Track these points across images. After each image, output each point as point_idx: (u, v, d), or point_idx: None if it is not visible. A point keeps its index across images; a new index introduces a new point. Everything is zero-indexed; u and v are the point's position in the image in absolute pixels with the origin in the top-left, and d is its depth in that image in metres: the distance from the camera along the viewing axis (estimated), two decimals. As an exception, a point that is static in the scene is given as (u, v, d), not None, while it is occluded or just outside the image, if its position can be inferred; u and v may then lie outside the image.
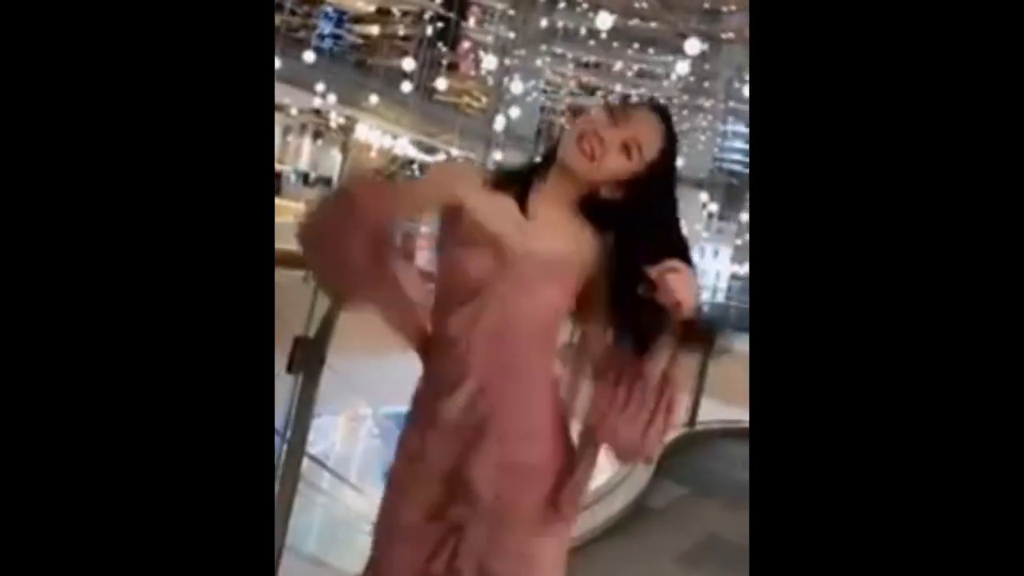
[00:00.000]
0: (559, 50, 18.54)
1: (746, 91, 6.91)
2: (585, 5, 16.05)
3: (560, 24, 17.91)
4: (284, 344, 1.41)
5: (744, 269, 13.11)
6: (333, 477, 2.68)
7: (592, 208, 1.00)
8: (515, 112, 16.31)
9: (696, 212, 13.04)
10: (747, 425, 3.93)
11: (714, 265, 14.00)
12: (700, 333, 0.96)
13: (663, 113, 0.99)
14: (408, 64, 13.41)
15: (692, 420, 4.33)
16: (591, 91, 19.92)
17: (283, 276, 1.04)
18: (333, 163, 10.90)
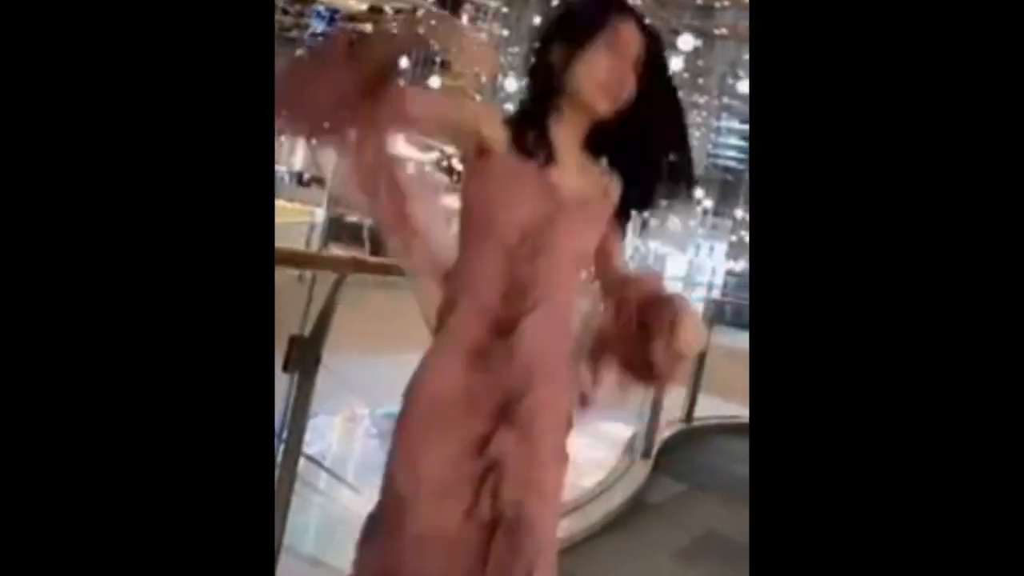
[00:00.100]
0: (553, 47, 18.45)
1: (740, 87, 6.92)
2: (578, 2, 15.97)
3: (554, 21, 17.84)
4: (280, 343, 1.40)
5: (740, 265, 13.13)
6: (330, 477, 2.67)
7: (595, 138, 1.03)
8: (509, 110, 16.24)
9: (691, 208, 13.06)
10: (745, 420, 3.94)
11: (709, 262, 14.02)
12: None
13: (638, 17, 1.01)
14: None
15: (690, 416, 4.34)
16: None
17: (278, 275, 1.03)
18: (327, 163, 10.89)
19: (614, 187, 1.05)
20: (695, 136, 11.20)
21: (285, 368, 1.44)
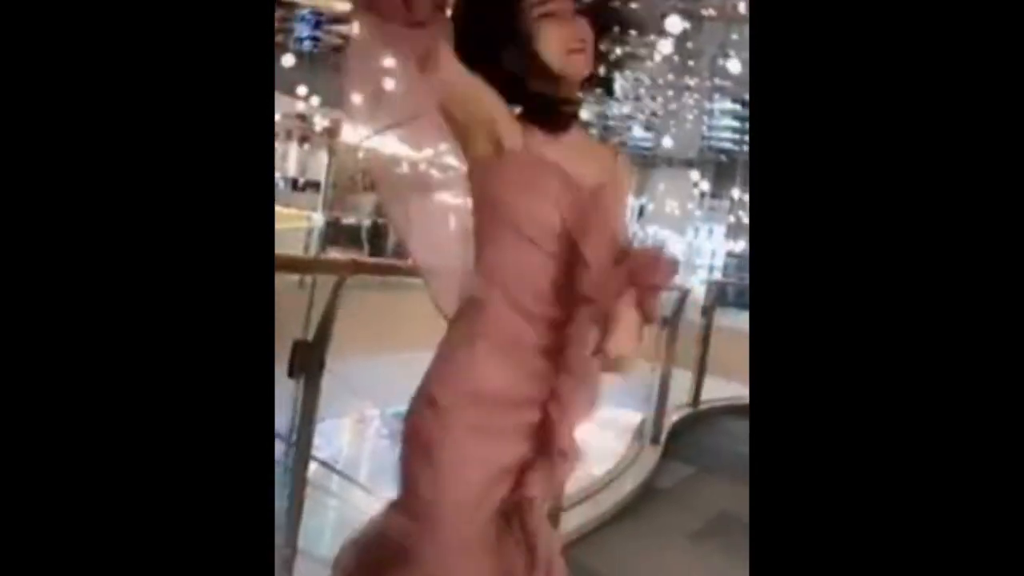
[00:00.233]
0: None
1: (730, 67, 6.89)
2: (564, -9, 15.87)
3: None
4: (283, 349, 1.41)
5: (739, 246, 13.11)
6: (342, 480, 2.68)
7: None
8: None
9: (687, 192, 13.03)
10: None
11: (709, 244, 13.99)
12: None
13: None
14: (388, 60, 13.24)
15: (696, 400, 4.35)
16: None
17: (278, 280, 1.03)
18: (320, 167, 10.87)
19: (623, 165, 1.06)
20: (688, 120, 11.15)
21: (290, 374, 1.45)
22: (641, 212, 14.17)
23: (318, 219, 8.84)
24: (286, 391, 1.48)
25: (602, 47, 1.03)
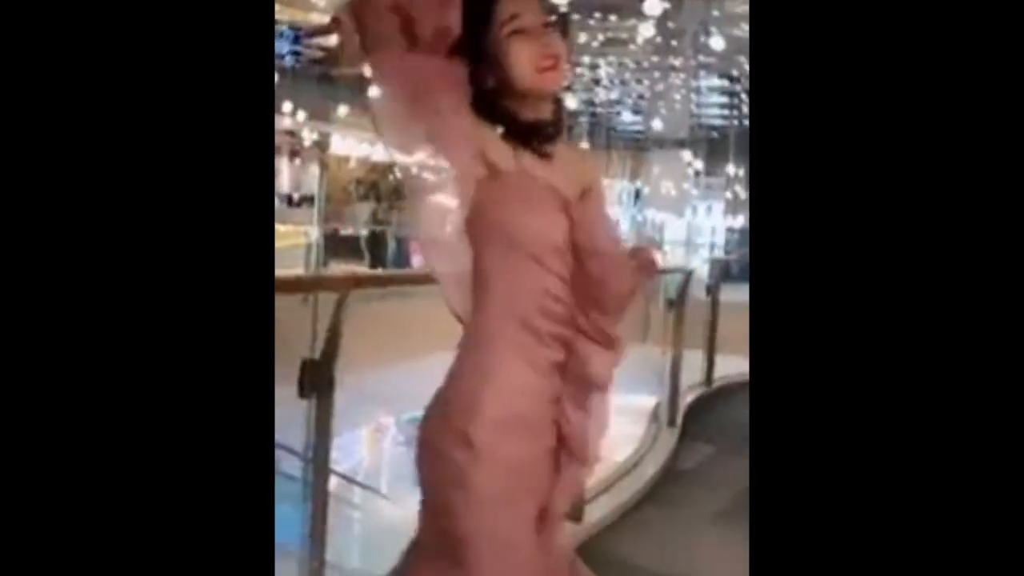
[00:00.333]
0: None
1: (713, 43, 6.85)
2: (540, -18, 15.82)
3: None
4: (292, 369, 1.41)
5: (739, 222, 13.06)
6: (365, 491, 2.69)
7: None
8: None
9: (682, 172, 12.97)
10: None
11: (708, 222, 13.95)
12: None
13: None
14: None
15: (709, 379, 4.34)
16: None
17: (281, 300, 1.03)
18: (313, 180, 10.89)
19: (593, 167, 1.07)
20: (676, 100, 11.09)
21: (301, 393, 1.45)
22: (638, 196, 14.13)
23: (315, 233, 8.85)
24: (300, 411, 1.48)
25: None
